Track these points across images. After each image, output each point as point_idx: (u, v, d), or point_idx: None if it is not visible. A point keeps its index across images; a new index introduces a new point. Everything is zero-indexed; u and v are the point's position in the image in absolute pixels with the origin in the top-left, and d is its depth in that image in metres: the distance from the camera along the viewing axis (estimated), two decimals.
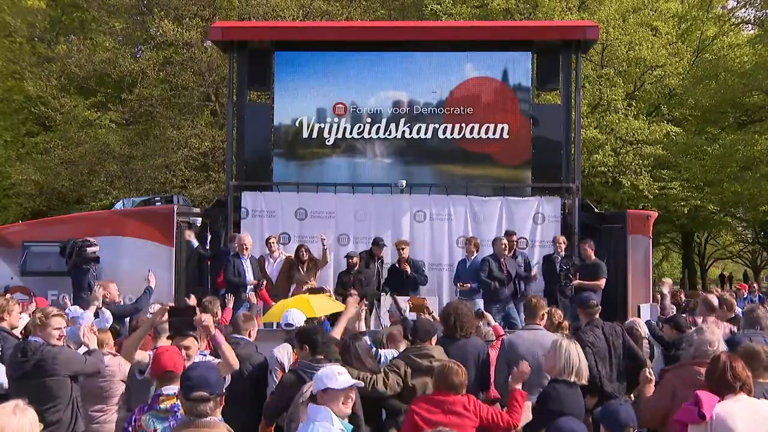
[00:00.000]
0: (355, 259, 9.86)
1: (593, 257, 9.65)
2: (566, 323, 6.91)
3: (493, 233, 10.67)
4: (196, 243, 10.36)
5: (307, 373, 4.42)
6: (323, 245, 9.74)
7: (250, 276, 9.52)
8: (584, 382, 4.60)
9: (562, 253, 9.94)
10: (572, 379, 4.51)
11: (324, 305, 7.20)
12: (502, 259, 9.57)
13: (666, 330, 6.61)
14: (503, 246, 9.60)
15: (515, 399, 4.61)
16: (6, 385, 4.88)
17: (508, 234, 10.07)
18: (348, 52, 11.47)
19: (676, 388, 4.37)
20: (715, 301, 6.86)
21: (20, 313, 6.02)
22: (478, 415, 4.31)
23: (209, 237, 10.67)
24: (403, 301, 7.06)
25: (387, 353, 5.46)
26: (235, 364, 4.51)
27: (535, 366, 5.00)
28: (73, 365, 4.76)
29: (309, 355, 4.67)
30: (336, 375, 3.66)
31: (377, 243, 10.04)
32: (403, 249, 9.81)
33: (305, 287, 9.43)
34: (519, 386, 4.70)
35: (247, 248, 9.62)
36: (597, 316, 5.64)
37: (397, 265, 9.83)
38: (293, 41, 11.77)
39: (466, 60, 11.44)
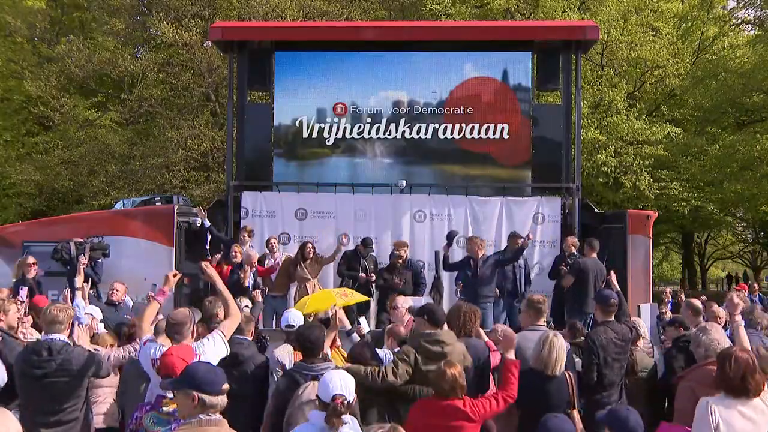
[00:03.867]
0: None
1: (590, 256, 9.55)
2: None
3: (493, 233, 10.68)
4: (208, 223, 10.14)
5: (302, 375, 4.42)
6: (341, 243, 9.73)
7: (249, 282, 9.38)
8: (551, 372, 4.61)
9: (572, 254, 9.79)
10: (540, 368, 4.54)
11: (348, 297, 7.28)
12: (477, 259, 9.14)
13: (670, 332, 6.60)
14: (477, 246, 9.23)
15: (508, 370, 4.50)
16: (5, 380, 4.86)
17: (515, 236, 9.83)
18: (348, 52, 11.47)
19: (696, 391, 4.36)
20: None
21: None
22: (476, 414, 4.27)
23: (209, 237, 10.65)
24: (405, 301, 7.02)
25: (386, 352, 5.48)
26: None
27: None
28: (95, 367, 4.78)
29: (304, 358, 4.69)
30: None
31: (365, 243, 9.87)
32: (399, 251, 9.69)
33: (308, 284, 9.43)
34: (511, 355, 4.60)
35: (254, 265, 9.42)
36: (612, 317, 5.63)
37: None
38: (293, 41, 11.76)
39: (466, 60, 11.44)
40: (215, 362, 4.27)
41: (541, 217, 10.85)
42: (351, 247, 10.39)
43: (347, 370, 4.71)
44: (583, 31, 11.51)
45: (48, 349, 4.60)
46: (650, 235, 10.37)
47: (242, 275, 9.08)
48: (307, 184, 11.16)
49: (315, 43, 11.63)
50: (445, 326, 5.13)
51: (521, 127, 11.33)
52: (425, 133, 11.29)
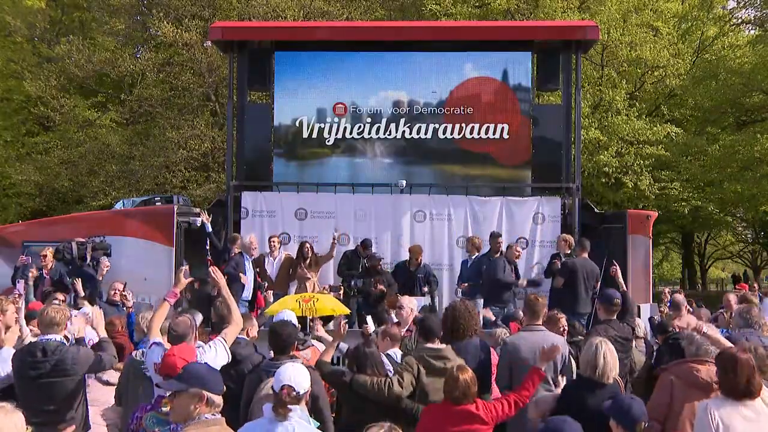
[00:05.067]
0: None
1: (581, 257, 9.53)
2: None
3: None
4: (209, 228, 10.12)
5: (266, 372, 4.49)
6: (334, 238, 9.85)
7: (250, 275, 9.52)
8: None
9: (566, 252, 9.83)
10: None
11: (326, 305, 7.30)
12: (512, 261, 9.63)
13: (660, 339, 6.67)
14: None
15: (532, 377, 4.55)
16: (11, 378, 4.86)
17: (496, 236, 9.97)
18: (348, 52, 11.47)
19: (674, 386, 4.39)
20: None
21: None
22: (490, 417, 4.25)
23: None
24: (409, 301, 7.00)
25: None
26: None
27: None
28: (92, 365, 4.78)
29: (274, 354, 4.74)
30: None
31: (365, 244, 9.95)
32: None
33: (308, 283, 9.47)
34: (542, 365, 4.65)
35: (255, 249, 9.71)
36: (615, 316, 5.65)
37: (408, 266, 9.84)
38: (293, 41, 11.76)
39: (466, 60, 11.43)
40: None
41: (541, 217, 10.85)
42: (350, 247, 10.41)
43: (354, 381, 4.68)
44: (583, 31, 11.52)
45: (42, 350, 4.61)
46: (650, 235, 10.38)
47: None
48: (307, 184, 11.16)
49: (315, 43, 11.63)
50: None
51: (521, 127, 11.33)
52: (425, 133, 11.29)
